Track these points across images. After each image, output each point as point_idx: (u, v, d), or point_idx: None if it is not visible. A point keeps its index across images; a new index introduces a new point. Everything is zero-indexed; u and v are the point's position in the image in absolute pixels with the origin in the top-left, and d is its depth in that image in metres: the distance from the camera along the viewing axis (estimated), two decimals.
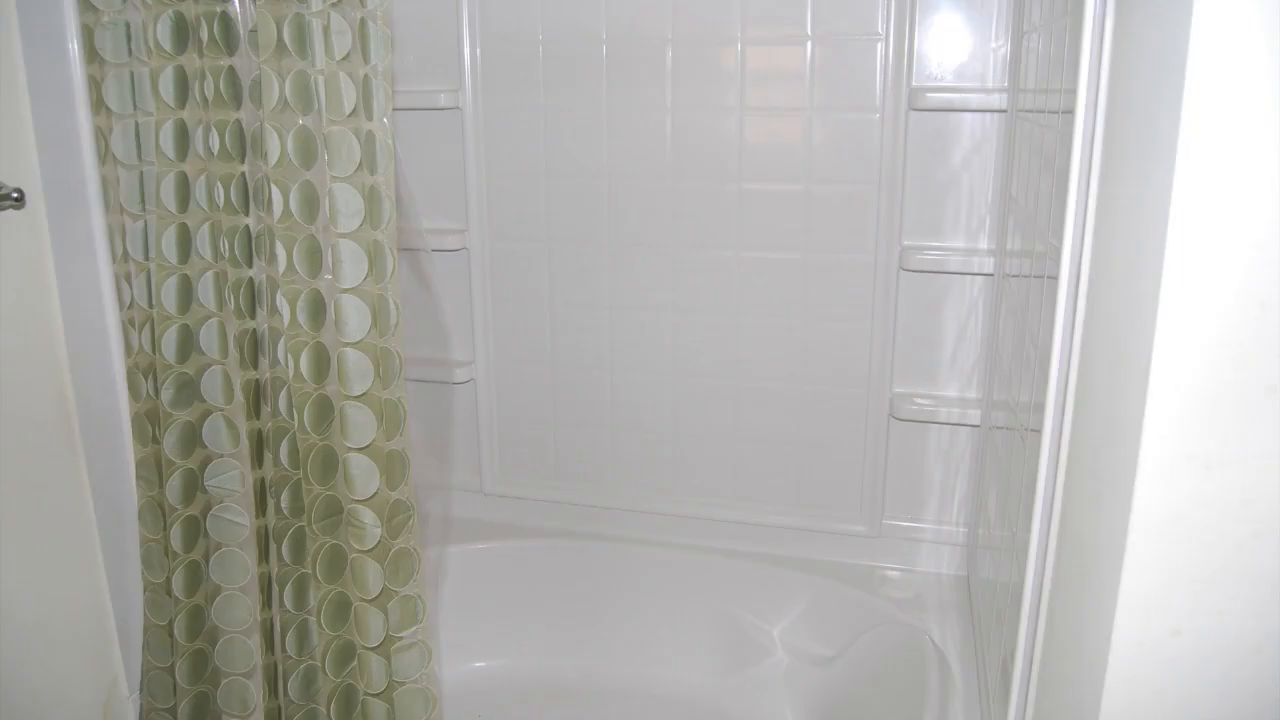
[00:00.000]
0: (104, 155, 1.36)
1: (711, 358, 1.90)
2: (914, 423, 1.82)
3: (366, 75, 1.23)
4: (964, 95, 1.64)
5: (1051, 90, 1.09)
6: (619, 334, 1.94)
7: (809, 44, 1.71)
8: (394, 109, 1.26)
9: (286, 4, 1.22)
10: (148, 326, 1.40)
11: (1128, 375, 0.69)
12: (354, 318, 1.29)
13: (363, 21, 1.22)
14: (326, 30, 1.21)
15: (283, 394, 1.38)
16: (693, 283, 1.87)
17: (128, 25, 1.31)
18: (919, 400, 1.79)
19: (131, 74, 1.33)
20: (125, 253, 1.39)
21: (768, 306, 1.84)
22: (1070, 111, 0.90)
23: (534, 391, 2.03)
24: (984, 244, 1.72)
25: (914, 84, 1.67)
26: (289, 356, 1.32)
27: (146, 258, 1.38)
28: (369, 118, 1.24)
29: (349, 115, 1.23)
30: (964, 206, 1.71)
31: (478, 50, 1.87)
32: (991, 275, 1.69)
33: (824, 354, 1.83)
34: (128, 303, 1.41)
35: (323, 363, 1.33)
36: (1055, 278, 0.93)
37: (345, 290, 1.28)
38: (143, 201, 1.36)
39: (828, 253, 1.78)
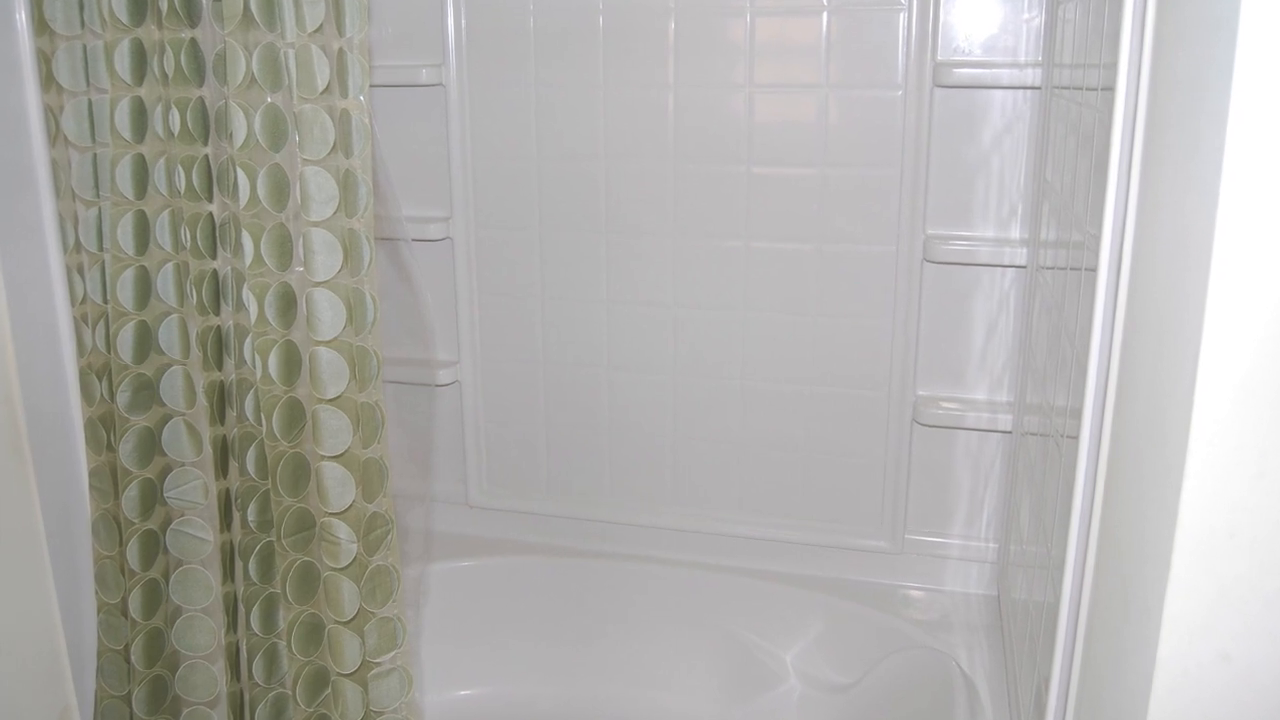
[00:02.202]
0: (54, 136, 1.36)
1: (717, 357, 1.90)
2: (939, 428, 1.82)
3: (341, 49, 1.23)
4: (994, 71, 1.64)
5: (1090, 65, 1.09)
6: (616, 332, 1.94)
7: (825, 15, 1.71)
8: (371, 85, 1.26)
9: None
10: (102, 323, 1.40)
11: (1173, 376, 0.69)
12: (327, 314, 1.29)
13: None
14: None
15: (249, 397, 1.38)
16: (696, 276, 1.87)
17: None
18: (945, 404, 1.79)
19: (84, 47, 1.33)
20: (77, 242, 1.39)
21: (778, 302, 1.84)
22: (1110, 88, 0.90)
23: (524, 394, 2.03)
24: (1016, 233, 1.72)
25: (939, 58, 1.67)
26: (256, 356, 1.32)
27: (101, 248, 1.38)
28: (344, 95, 1.24)
29: (322, 92, 1.23)
30: (994, 192, 1.71)
31: (463, 21, 1.87)
32: (1024, 267, 1.69)
33: (840, 354, 1.83)
34: (80, 297, 1.41)
35: (293, 363, 1.33)
36: (1094, 269, 0.93)
37: (318, 284, 1.28)
38: (96, 187, 1.37)
39: (845, 243, 1.78)
